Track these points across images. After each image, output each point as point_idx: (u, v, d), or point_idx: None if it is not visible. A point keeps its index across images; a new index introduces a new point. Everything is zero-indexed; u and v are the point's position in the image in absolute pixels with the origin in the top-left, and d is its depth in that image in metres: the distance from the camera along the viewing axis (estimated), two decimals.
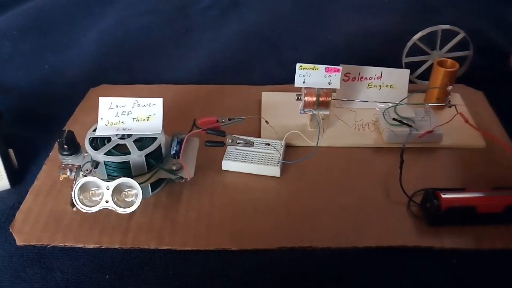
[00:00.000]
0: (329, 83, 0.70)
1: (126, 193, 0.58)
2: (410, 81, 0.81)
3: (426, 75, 0.80)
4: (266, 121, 0.72)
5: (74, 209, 0.58)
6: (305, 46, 1.00)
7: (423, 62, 0.82)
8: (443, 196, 0.58)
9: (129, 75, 0.93)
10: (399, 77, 0.77)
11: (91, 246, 0.58)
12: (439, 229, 0.59)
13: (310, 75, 0.70)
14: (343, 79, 0.77)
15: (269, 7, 1.14)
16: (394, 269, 0.57)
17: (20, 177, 0.69)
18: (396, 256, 0.58)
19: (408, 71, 0.77)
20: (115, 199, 0.56)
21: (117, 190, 0.57)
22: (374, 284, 0.56)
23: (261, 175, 0.68)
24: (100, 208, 0.56)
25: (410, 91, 0.78)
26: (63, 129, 0.64)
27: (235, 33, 1.06)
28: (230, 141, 0.66)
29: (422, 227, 0.60)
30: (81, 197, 0.56)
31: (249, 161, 0.67)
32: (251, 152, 0.69)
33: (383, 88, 0.77)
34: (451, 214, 0.58)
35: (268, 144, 0.69)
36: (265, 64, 0.96)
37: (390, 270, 0.57)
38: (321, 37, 1.02)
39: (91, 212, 0.56)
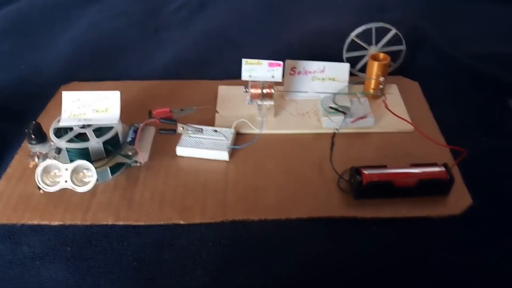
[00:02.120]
0: (272, 77, 0.77)
1: (83, 174, 0.65)
2: (352, 74, 0.89)
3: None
4: (217, 111, 0.80)
5: (41, 191, 0.65)
6: (264, 44, 1.07)
7: (363, 56, 0.89)
8: (364, 172, 0.65)
9: (100, 73, 0.99)
10: (340, 70, 0.84)
11: (56, 223, 0.65)
12: (362, 202, 0.67)
13: (255, 70, 0.77)
14: (290, 73, 0.84)
15: (233, 9, 1.22)
16: (322, 236, 0.64)
17: None
18: (325, 227, 0.65)
19: (348, 64, 0.84)
20: (74, 179, 0.64)
21: (75, 172, 0.64)
22: (304, 249, 0.63)
23: (213, 159, 0.75)
24: (60, 188, 0.63)
25: (351, 83, 0.85)
26: (33, 121, 0.71)
27: (200, 32, 1.13)
28: (181, 128, 0.74)
29: (349, 200, 0.67)
30: (43, 178, 0.63)
31: (201, 147, 0.75)
32: (203, 139, 0.76)
33: (326, 80, 0.85)
34: (371, 188, 0.65)
35: (216, 131, 0.76)
36: (226, 60, 1.03)
37: (318, 237, 0.64)
38: (278, 35, 1.10)
39: (54, 191, 0.64)
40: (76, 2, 1.28)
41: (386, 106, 0.75)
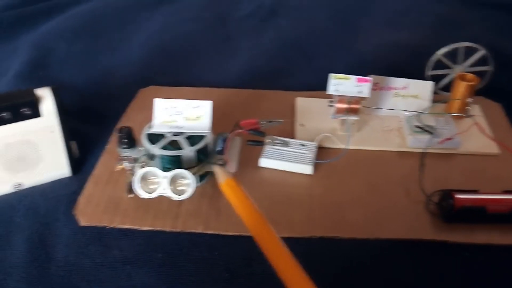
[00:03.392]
0: (360, 92, 0.77)
1: (179, 182, 0.66)
2: (434, 92, 0.88)
3: (449, 87, 0.87)
4: (302, 124, 0.80)
5: (130, 196, 0.66)
6: (336, 55, 1.07)
7: (446, 75, 0.88)
8: (457, 196, 0.65)
9: (173, 77, 1.01)
10: (423, 88, 0.84)
11: (146, 228, 0.66)
12: (453, 226, 0.66)
13: (343, 84, 0.77)
14: (373, 88, 0.84)
15: (305, 18, 1.22)
16: (412, 259, 0.63)
17: (78, 167, 0.77)
18: (414, 248, 0.64)
19: (432, 83, 0.83)
20: (171, 187, 0.64)
21: (173, 180, 0.65)
22: (393, 272, 0.62)
23: (295, 172, 0.75)
24: (158, 195, 0.64)
25: (434, 102, 0.85)
26: (120, 126, 0.71)
27: (272, 41, 1.14)
28: (269, 140, 0.74)
29: (438, 223, 0.67)
30: (141, 184, 0.64)
31: (285, 159, 0.75)
32: (286, 151, 0.76)
33: (408, 97, 0.84)
34: (464, 212, 0.64)
35: (303, 145, 0.77)
36: (299, 71, 1.03)
37: (408, 261, 0.63)
38: (351, 48, 1.09)
39: (148, 198, 0.65)
40: (147, 4, 1.30)
41: (482, 129, 0.74)
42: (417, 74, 0.89)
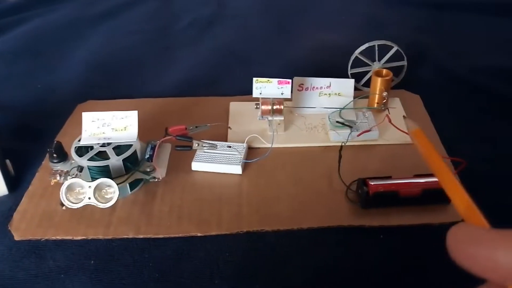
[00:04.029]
0: (282, 94, 0.81)
1: (106, 191, 0.68)
2: (357, 89, 0.92)
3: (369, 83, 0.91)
4: (229, 127, 0.84)
5: (63, 208, 0.69)
6: (271, 61, 1.11)
7: (367, 72, 0.93)
8: (371, 183, 0.69)
9: (113, 91, 1.03)
10: (345, 85, 0.88)
11: (79, 237, 0.68)
12: (369, 211, 0.70)
13: (266, 87, 0.81)
14: (298, 89, 0.88)
15: (241, 27, 1.26)
16: (332, 245, 0.67)
17: (16, 184, 0.79)
18: (335, 235, 0.68)
19: (352, 80, 0.87)
20: (96, 196, 0.67)
21: (98, 189, 0.67)
22: (316, 257, 0.66)
23: (226, 173, 0.78)
24: (84, 204, 0.67)
25: (356, 98, 0.89)
26: (54, 140, 0.74)
27: (209, 50, 1.17)
28: (196, 145, 0.77)
29: (356, 210, 0.70)
30: (68, 195, 0.67)
31: (215, 161, 0.78)
32: (217, 154, 0.79)
33: (332, 96, 0.88)
34: (378, 197, 0.68)
35: (230, 146, 0.80)
36: (235, 77, 1.06)
37: (328, 246, 0.67)
38: (284, 52, 1.14)
39: (77, 208, 0.67)
40: (88, 21, 1.33)
41: (390, 121, 0.78)
42: (345, 73, 0.93)
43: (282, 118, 0.83)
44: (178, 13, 1.37)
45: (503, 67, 1.03)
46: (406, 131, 0.80)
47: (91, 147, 0.73)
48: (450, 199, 0.42)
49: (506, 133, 0.86)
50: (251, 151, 0.82)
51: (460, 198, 0.43)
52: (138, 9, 1.38)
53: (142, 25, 1.31)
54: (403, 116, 0.75)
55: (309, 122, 0.87)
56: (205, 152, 0.80)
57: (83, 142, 0.73)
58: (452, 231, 0.34)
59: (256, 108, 0.83)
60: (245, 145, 0.81)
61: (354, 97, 0.89)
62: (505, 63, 1.05)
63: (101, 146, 0.73)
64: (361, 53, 0.90)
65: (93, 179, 0.69)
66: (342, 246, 0.67)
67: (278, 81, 0.80)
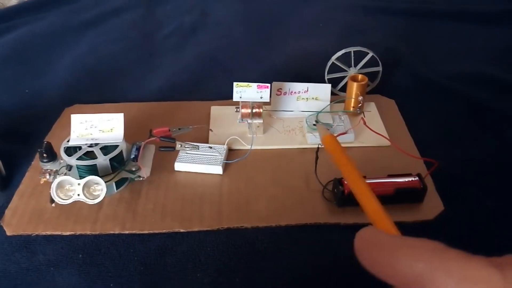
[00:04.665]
0: (261, 98, 0.85)
1: (94, 188, 0.72)
2: (334, 94, 0.97)
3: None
4: (211, 129, 0.88)
5: (53, 205, 0.72)
6: (251, 66, 1.15)
7: (343, 77, 0.97)
8: (346, 182, 0.73)
9: (99, 96, 1.06)
10: (322, 90, 0.92)
11: (67, 233, 0.72)
12: (345, 209, 0.74)
13: (245, 91, 0.85)
14: (276, 94, 0.92)
15: (223, 34, 1.30)
16: (309, 241, 0.71)
17: (7, 183, 0.82)
18: (311, 232, 0.72)
19: (329, 85, 0.91)
20: (85, 192, 0.71)
21: (87, 186, 0.71)
22: (293, 253, 0.69)
23: (208, 173, 0.82)
24: (73, 200, 0.70)
25: (333, 102, 0.93)
26: (43, 141, 0.77)
27: (192, 56, 1.21)
28: (179, 146, 0.81)
29: (333, 208, 0.75)
30: (58, 192, 0.70)
31: (197, 162, 0.82)
32: (198, 155, 0.83)
33: (310, 100, 0.92)
34: (352, 196, 0.72)
35: (211, 147, 0.84)
36: (217, 83, 1.10)
37: (305, 243, 0.71)
38: (265, 58, 1.18)
39: (67, 204, 0.71)
40: (73, 29, 1.36)
41: (365, 123, 0.83)
42: (323, 78, 0.97)
43: (261, 121, 0.87)
44: (162, 20, 1.41)
45: (476, 74, 1.08)
46: (383, 134, 0.85)
47: (80, 147, 0.76)
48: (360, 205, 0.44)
49: (478, 136, 0.91)
50: (231, 152, 0.86)
51: (368, 202, 0.45)
52: (122, 17, 1.42)
53: (127, 32, 1.34)
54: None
55: (287, 125, 0.91)
56: (187, 153, 0.83)
57: (71, 143, 0.77)
58: (359, 234, 0.34)
59: (236, 111, 0.87)
60: (225, 146, 0.85)
61: (331, 101, 0.93)
62: (479, 69, 1.10)
63: (89, 146, 0.76)
64: (337, 59, 0.95)
65: (81, 177, 0.73)
66: (318, 242, 0.71)
67: (257, 86, 0.84)
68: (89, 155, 0.75)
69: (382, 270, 0.31)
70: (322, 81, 0.95)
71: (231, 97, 0.86)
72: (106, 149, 0.76)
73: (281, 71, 1.12)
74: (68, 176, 0.70)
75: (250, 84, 0.84)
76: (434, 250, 0.29)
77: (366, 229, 0.35)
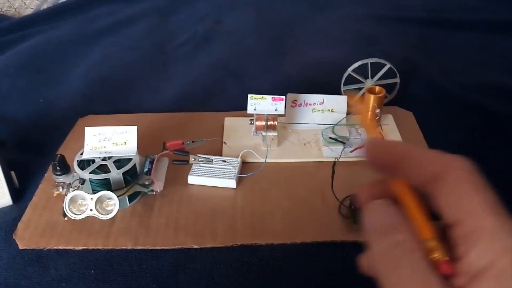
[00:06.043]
0: (276, 110, 0.84)
1: (107, 203, 0.71)
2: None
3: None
4: (224, 142, 0.87)
5: (66, 218, 0.71)
6: (264, 76, 1.14)
7: (360, 89, 0.96)
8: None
9: (112, 106, 1.05)
10: (338, 102, 0.90)
11: (80, 248, 0.71)
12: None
13: (260, 104, 0.84)
14: (291, 105, 0.91)
15: (235, 43, 1.29)
16: (325, 259, 0.69)
17: (20, 195, 0.82)
18: (328, 249, 0.70)
19: (345, 97, 0.90)
20: (98, 208, 0.70)
21: (99, 201, 0.70)
22: (309, 272, 0.68)
23: (221, 187, 0.81)
24: (86, 215, 0.70)
25: (348, 114, 0.92)
26: (56, 153, 0.76)
27: (205, 65, 1.20)
28: (193, 159, 0.80)
29: (350, 225, 0.73)
30: (70, 207, 0.70)
31: (210, 175, 0.81)
32: (212, 168, 0.82)
33: (325, 112, 0.91)
34: None
35: (224, 161, 0.83)
36: (230, 93, 1.09)
37: (322, 260, 0.69)
38: (277, 68, 1.17)
39: (79, 219, 0.70)
40: (88, 38, 1.36)
41: (383, 137, 0.81)
42: (338, 90, 0.96)
43: (275, 133, 0.86)
44: (175, 30, 1.40)
45: (494, 84, 1.07)
46: None
47: (93, 161, 0.75)
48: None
49: (497, 147, 0.89)
50: (245, 165, 0.85)
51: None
52: (136, 26, 1.41)
53: (140, 42, 1.34)
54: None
55: (303, 138, 0.90)
56: (201, 166, 0.82)
57: (85, 156, 0.76)
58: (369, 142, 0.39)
59: (251, 123, 0.86)
60: (239, 159, 0.84)
61: (347, 114, 0.91)
62: (496, 80, 1.08)
63: (102, 159, 0.75)
64: (354, 70, 0.93)
65: (94, 191, 0.72)
66: (335, 260, 0.69)
67: (272, 98, 0.83)
68: (102, 168, 0.74)
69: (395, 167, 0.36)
70: (336, 91, 0.94)
71: (244, 107, 0.85)
72: (119, 163, 0.75)
73: (294, 81, 1.11)
74: (81, 191, 0.70)
75: (265, 96, 0.83)
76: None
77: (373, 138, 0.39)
